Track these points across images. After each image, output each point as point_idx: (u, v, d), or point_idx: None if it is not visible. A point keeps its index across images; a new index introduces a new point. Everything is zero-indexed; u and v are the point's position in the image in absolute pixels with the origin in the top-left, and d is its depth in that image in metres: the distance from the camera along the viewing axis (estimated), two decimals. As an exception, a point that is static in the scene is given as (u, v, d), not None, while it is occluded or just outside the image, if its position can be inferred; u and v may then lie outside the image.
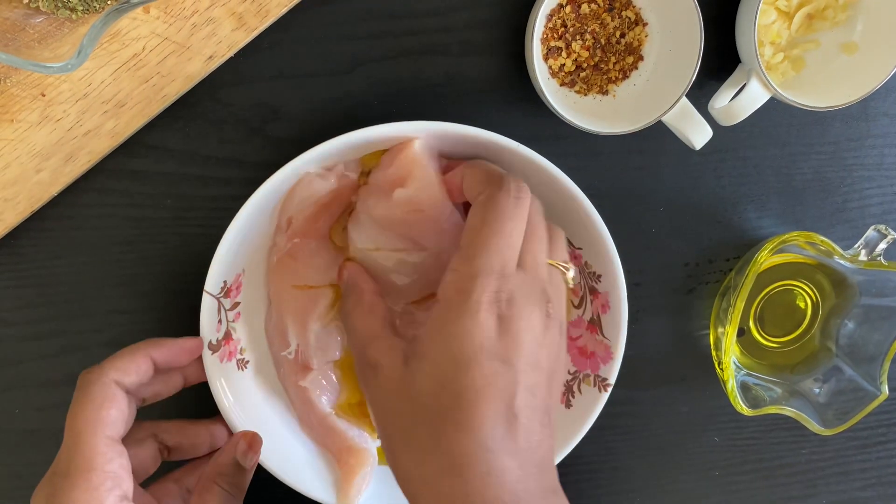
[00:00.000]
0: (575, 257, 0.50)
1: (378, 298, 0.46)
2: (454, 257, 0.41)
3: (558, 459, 0.50)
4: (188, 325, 0.48)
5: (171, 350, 0.45)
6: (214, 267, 0.46)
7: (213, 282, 0.46)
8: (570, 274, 0.45)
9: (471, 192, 0.44)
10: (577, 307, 0.52)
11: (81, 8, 0.44)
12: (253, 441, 0.46)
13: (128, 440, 0.44)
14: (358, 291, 0.47)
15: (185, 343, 0.46)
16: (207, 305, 0.47)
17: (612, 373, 0.50)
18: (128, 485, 0.41)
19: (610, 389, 0.49)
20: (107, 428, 0.41)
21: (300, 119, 0.51)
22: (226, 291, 0.48)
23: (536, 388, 0.40)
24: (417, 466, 0.40)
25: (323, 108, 0.51)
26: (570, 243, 0.50)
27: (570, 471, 0.57)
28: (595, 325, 0.51)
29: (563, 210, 0.48)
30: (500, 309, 0.40)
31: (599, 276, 0.49)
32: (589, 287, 0.51)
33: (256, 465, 0.46)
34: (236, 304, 0.49)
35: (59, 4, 0.44)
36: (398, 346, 0.42)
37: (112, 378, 0.42)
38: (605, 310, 0.50)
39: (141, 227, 0.51)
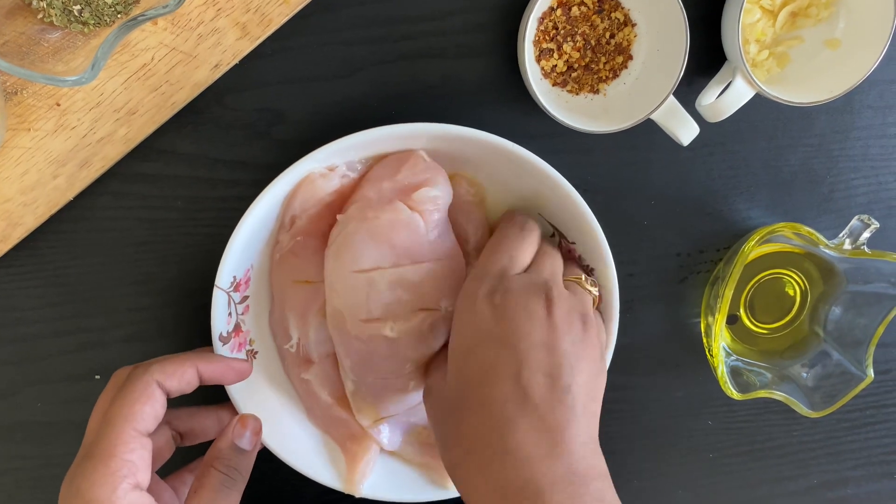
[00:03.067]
0: (569, 251, 0.52)
1: None
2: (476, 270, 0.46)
3: None
4: (202, 320, 0.50)
5: (219, 368, 0.46)
6: (225, 263, 0.48)
7: (223, 277, 0.48)
8: (592, 290, 0.47)
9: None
10: None
11: (93, 22, 0.46)
12: (249, 423, 0.46)
13: None
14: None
15: (235, 364, 0.47)
16: (219, 300, 0.48)
17: (606, 360, 0.51)
18: (143, 476, 0.42)
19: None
20: (137, 422, 0.42)
21: (303, 122, 0.52)
22: (235, 286, 0.49)
23: (553, 369, 0.41)
24: (447, 453, 0.43)
25: (325, 112, 0.52)
26: (564, 238, 0.52)
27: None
28: None
29: (556, 206, 0.50)
30: (495, 300, 0.43)
31: (592, 269, 0.51)
32: None
33: (259, 447, 0.47)
34: (245, 298, 0.51)
35: (72, 19, 0.46)
36: (441, 366, 0.46)
37: (156, 378, 0.43)
38: (599, 301, 0.51)
39: (154, 228, 0.53)
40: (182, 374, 0.44)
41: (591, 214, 0.49)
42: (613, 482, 0.58)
